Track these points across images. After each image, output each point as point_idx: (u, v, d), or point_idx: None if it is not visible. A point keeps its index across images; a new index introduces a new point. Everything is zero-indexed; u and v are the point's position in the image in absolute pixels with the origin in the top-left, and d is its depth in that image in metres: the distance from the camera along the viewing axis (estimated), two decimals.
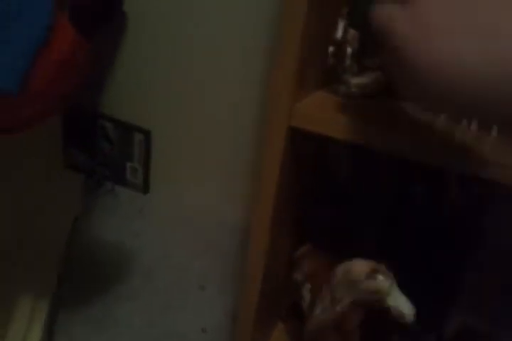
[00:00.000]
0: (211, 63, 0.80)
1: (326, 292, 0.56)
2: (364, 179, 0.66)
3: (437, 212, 0.62)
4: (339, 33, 0.51)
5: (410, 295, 0.51)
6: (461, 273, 0.62)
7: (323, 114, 0.51)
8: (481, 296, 0.62)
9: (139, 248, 0.98)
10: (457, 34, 0.30)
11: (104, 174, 1.01)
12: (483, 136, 0.46)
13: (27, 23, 0.56)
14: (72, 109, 0.93)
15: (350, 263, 0.53)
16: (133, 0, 0.82)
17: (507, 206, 0.59)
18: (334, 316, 0.54)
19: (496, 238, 0.59)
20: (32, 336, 0.93)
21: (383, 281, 0.50)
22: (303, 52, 0.48)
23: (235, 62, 0.78)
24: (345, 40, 0.52)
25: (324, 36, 0.52)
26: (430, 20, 0.31)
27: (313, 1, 0.46)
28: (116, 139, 0.97)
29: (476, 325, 0.61)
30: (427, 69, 0.31)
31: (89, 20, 0.64)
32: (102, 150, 0.99)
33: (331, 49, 0.53)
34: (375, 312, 0.53)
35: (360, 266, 0.52)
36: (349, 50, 0.52)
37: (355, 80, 0.54)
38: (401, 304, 0.49)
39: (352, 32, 0.52)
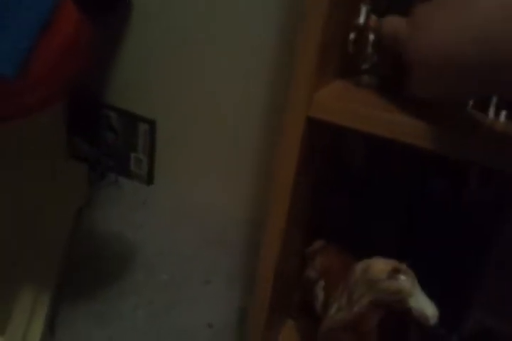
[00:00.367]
0: (218, 53, 0.79)
1: (342, 291, 0.54)
2: (381, 171, 0.64)
3: (456, 207, 0.60)
4: (361, 19, 0.48)
5: (428, 295, 0.49)
6: (479, 273, 0.60)
7: (341, 104, 0.49)
8: (500, 296, 0.60)
9: (142, 240, 0.97)
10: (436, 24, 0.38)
11: (108, 164, 1.00)
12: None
13: (28, 6, 0.54)
14: (76, 99, 0.92)
15: (369, 261, 0.51)
16: None
17: None
18: (351, 316, 0.52)
19: None
20: (33, 330, 0.92)
21: (405, 281, 0.48)
22: (325, 40, 0.46)
23: (243, 52, 0.76)
24: (367, 27, 0.49)
25: (346, 23, 0.50)
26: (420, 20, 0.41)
27: None
28: (120, 129, 0.95)
29: (494, 326, 0.59)
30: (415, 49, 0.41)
31: (93, 2, 0.62)
32: (106, 140, 0.97)
33: (351, 36, 0.50)
34: (393, 311, 0.51)
35: (380, 265, 0.49)
36: (371, 36, 0.49)
37: (376, 69, 0.52)
38: (424, 305, 0.47)
39: (374, 18, 0.49)
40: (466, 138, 0.43)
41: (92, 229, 1.01)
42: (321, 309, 0.61)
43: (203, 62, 0.81)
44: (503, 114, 0.48)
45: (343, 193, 0.66)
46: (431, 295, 0.49)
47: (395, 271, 0.48)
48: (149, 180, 0.96)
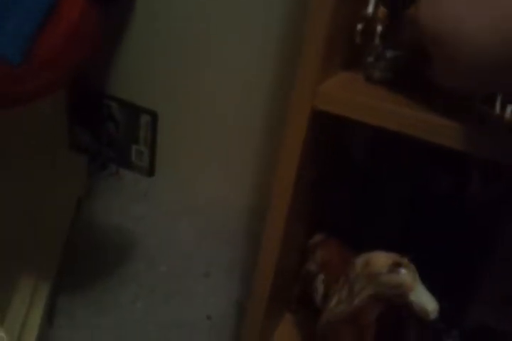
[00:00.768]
0: (221, 43, 0.78)
1: (342, 284, 0.54)
2: (384, 165, 0.63)
3: (459, 203, 0.60)
4: (370, 9, 0.48)
5: (429, 289, 0.49)
6: (481, 268, 0.60)
7: (346, 96, 0.48)
8: (502, 292, 0.59)
9: (142, 232, 0.97)
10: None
11: (109, 156, 0.99)
12: None
13: None
14: (78, 89, 0.91)
15: (370, 255, 0.51)
16: None
17: None
18: (351, 309, 0.52)
19: None
20: (32, 319, 0.92)
21: (406, 275, 0.47)
22: (331, 30, 0.45)
23: (246, 42, 0.76)
24: (375, 18, 0.48)
25: (353, 14, 0.49)
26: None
27: None
28: (122, 121, 0.95)
29: (495, 322, 0.59)
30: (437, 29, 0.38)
31: None
32: (108, 131, 0.97)
33: (359, 26, 0.49)
34: (392, 305, 0.51)
35: (381, 259, 0.49)
36: (379, 28, 0.48)
37: (382, 61, 0.51)
38: (424, 300, 0.46)
39: (382, 9, 0.49)
40: (474, 132, 0.43)
41: (93, 220, 1.01)
42: (321, 302, 0.61)
43: (206, 53, 0.80)
44: (510, 108, 0.47)
45: (345, 186, 0.65)
46: (432, 289, 0.49)
47: (396, 265, 0.48)
48: (150, 171, 0.96)
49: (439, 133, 0.44)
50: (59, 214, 0.98)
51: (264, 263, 0.58)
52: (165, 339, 0.92)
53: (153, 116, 0.90)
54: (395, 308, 0.51)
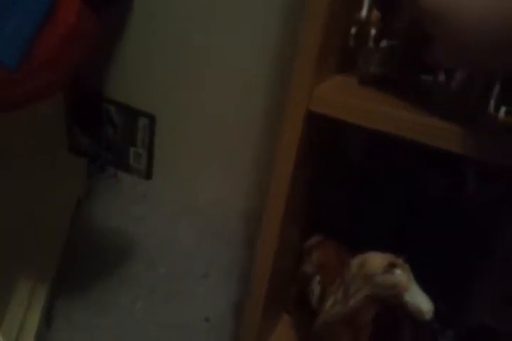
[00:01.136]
0: (219, 46, 0.78)
1: (338, 285, 0.54)
2: (379, 167, 0.64)
3: (456, 204, 0.60)
4: (364, 13, 0.48)
5: (424, 290, 0.49)
6: (476, 269, 0.60)
7: (341, 99, 0.48)
8: (497, 293, 0.60)
9: (141, 234, 0.97)
10: None
11: (107, 158, 1.00)
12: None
13: None
14: (77, 92, 0.91)
15: (366, 256, 0.51)
16: None
17: None
18: (347, 310, 0.52)
19: None
20: (30, 321, 0.92)
21: (401, 276, 0.48)
22: (326, 34, 0.46)
23: (244, 46, 0.76)
24: (369, 21, 0.49)
25: (347, 17, 0.50)
26: None
27: None
28: (120, 123, 0.95)
29: (490, 322, 0.60)
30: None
31: None
32: (106, 134, 0.97)
33: (353, 30, 0.50)
34: (387, 306, 0.51)
35: (377, 259, 0.49)
36: (373, 31, 0.49)
37: (376, 55, 0.51)
38: (419, 300, 0.47)
39: (376, 13, 0.49)
40: (470, 134, 0.43)
41: (93, 221, 1.01)
42: (317, 303, 0.61)
43: (203, 56, 0.80)
44: (503, 109, 0.48)
45: (341, 188, 0.66)
46: (427, 290, 0.49)
47: (391, 266, 0.48)
48: (148, 174, 0.96)
49: (434, 135, 0.44)
50: (58, 216, 0.98)
51: (260, 264, 0.58)
52: (164, 339, 0.92)
53: (151, 118, 0.90)
54: (390, 309, 0.51)
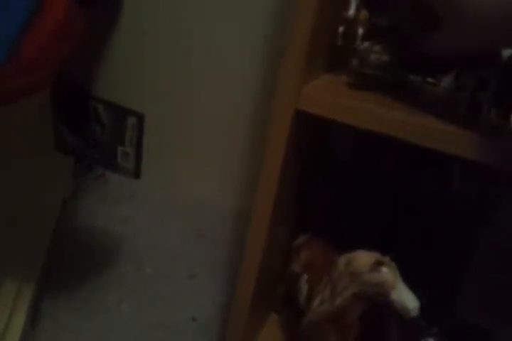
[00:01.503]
0: (209, 47, 0.78)
1: (326, 284, 0.55)
2: (367, 165, 0.64)
3: (441, 201, 0.60)
4: (351, 12, 0.48)
5: (410, 287, 0.49)
6: (462, 267, 0.61)
7: (329, 98, 0.49)
8: (483, 291, 0.60)
9: (128, 234, 0.96)
10: None
11: (95, 158, 0.99)
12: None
13: None
14: (65, 91, 0.91)
15: (353, 254, 0.51)
16: None
17: None
18: (334, 309, 0.52)
19: (504, 233, 0.58)
20: (15, 323, 0.90)
21: (388, 274, 0.48)
22: (314, 33, 0.46)
23: (233, 45, 0.76)
24: (357, 20, 0.49)
25: (335, 16, 0.50)
26: None
27: None
28: (108, 122, 0.94)
29: (476, 320, 0.60)
30: None
31: None
32: (94, 133, 0.97)
33: (341, 29, 0.50)
34: (374, 304, 0.51)
35: (363, 258, 0.50)
36: (360, 30, 0.49)
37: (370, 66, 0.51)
38: (405, 298, 0.47)
39: (364, 12, 0.50)
40: (458, 133, 0.43)
41: (79, 222, 1.00)
42: (305, 302, 0.61)
43: (193, 56, 0.80)
44: (493, 111, 0.48)
45: (328, 187, 0.66)
46: (413, 288, 0.49)
47: (378, 264, 0.48)
48: (136, 174, 0.96)
49: (424, 135, 0.44)
50: (43, 215, 0.97)
51: (248, 263, 0.58)
52: (151, 339, 0.91)
53: (140, 118, 0.90)
54: (376, 306, 0.52)
